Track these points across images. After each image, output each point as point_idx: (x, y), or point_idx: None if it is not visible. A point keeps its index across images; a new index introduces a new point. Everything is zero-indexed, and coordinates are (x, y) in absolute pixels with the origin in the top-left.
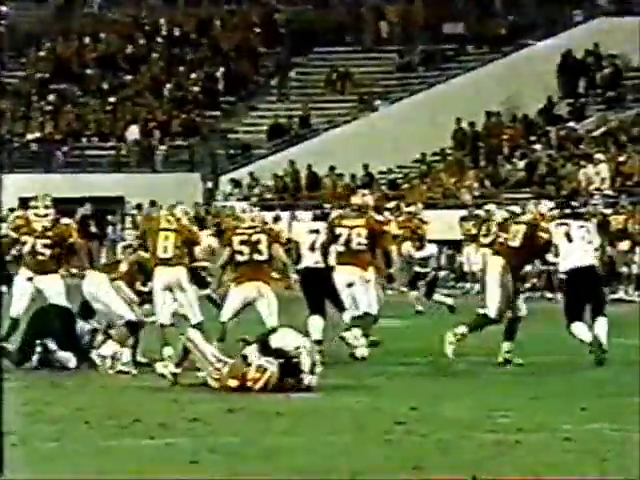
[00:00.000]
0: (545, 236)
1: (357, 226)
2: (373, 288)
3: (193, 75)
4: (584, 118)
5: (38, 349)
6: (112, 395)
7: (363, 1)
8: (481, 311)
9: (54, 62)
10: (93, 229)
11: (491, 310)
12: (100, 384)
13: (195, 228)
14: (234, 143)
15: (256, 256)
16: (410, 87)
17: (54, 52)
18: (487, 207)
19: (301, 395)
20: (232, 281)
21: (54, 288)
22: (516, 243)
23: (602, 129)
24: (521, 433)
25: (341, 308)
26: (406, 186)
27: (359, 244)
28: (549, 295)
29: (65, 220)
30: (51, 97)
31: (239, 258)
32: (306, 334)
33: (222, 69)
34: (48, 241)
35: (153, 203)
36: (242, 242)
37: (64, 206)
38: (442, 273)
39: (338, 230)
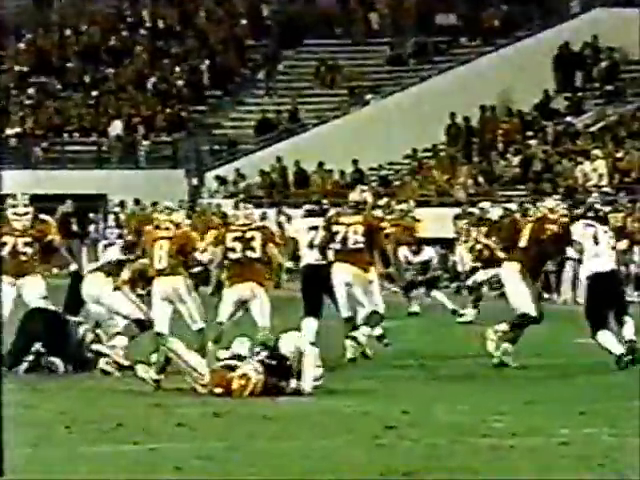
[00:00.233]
0: (553, 228)
1: (354, 223)
2: (377, 287)
3: (178, 68)
4: (581, 113)
5: (30, 357)
6: (94, 399)
7: None
8: (522, 310)
9: (34, 55)
10: (74, 227)
11: (530, 310)
12: (82, 387)
13: (194, 233)
14: (220, 138)
15: (249, 253)
16: (401, 81)
17: (34, 44)
18: (481, 205)
19: (289, 399)
20: (225, 280)
21: (34, 292)
22: (523, 244)
23: (600, 124)
24: (516, 438)
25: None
26: (397, 183)
27: (356, 242)
28: (546, 295)
29: (43, 216)
30: (31, 91)
31: (231, 255)
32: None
33: (208, 62)
34: (29, 239)
35: (137, 201)
36: (235, 239)
37: (44, 204)
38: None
39: (335, 228)
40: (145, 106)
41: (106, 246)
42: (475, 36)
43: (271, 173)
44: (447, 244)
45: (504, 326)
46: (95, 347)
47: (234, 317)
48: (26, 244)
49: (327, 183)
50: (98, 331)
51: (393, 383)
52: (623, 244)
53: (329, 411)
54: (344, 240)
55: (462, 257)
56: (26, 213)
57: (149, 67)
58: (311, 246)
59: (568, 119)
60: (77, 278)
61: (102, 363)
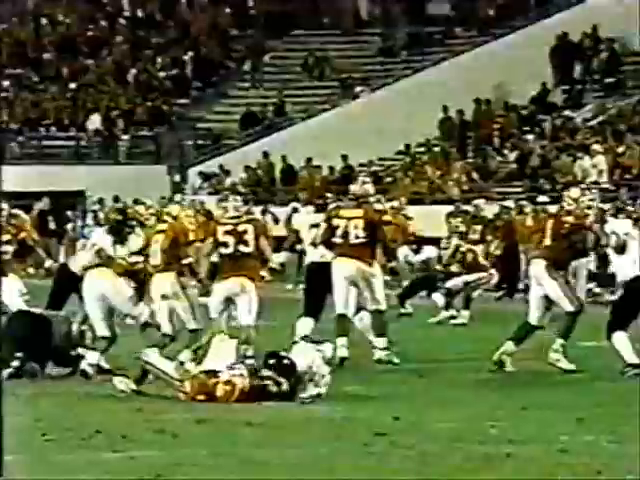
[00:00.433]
0: (570, 220)
1: (355, 217)
2: (381, 283)
3: (159, 60)
4: (580, 106)
5: (15, 362)
6: (71, 404)
7: None
8: (567, 308)
9: (9, 46)
10: (51, 226)
11: (567, 305)
12: (59, 393)
13: (191, 227)
14: (203, 133)
15: (242, 247)
16: (393, 73)
17: (9, 35)
18: (476, 202)
19: (274, 404)
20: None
21: (14, 293)
22: (547, 241)
23: (600, 118)
24: (512, 445)
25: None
26: (389, 180)
27: (357, 237)
28: None
29: (16, 211)
30: (6, 83)
31: (223, 250)
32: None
33: (190, 53)
34: (9, 237)
35: (116, 198)
36: (227, 232)
37: (20, 201)
38: None
39: (335, 222)
40: (125, 99)
41: (86, 239)
42: (469, 26)
43: (257, 169)
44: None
45: (510, 345)
46: (80, 351)
47: (224, 313)
48: (6, 243)
49: (315, 179)
50: (84, 327)
51: (384, 388)
52: None
53: (316, 417)
54: (345, 235)
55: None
56: (0, 210)
57: (129, 58)
58: (314, 244)
59: (566, 113)
60: (64, 272)
61: (83, 364)
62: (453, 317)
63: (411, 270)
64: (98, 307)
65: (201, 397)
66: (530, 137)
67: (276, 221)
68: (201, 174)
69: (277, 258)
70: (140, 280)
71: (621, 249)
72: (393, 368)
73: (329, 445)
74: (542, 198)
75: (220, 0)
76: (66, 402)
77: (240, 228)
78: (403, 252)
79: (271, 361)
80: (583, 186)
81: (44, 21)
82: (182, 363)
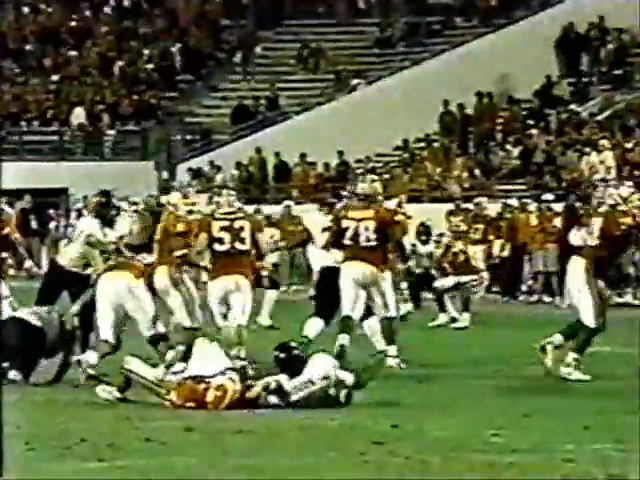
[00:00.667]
0: (628, 221)
1: (365, 218)
2: (390, 288)
3: (146, 51)
4: (587, 100)
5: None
6: (55, 412)
7: None
8: (582, 317)
9: None
10: (34, 225)
11: (587, 319)
12: (42, 400)
13: (190, 217)
14: (192, 128)
15: (238, 245)
16: (391, 65)
17: None
18: (477, 200)
19: (267, 411)
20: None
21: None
22: (595, 240)
23: (607, 112)
24: (515, 454)
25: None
26: (387, 176)
27: (368, 239)
28: (547, 299)
29: (1, 206)
30: None
31: (218, 247)
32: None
33: (179, 44)
34: None
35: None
36: (222, 228)
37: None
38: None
39: (344, 223)
40: (110, 92)
41: (70, 240)
42: (471, 16)
43: (249, 165)
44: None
45: (558, 338)
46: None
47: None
48: None
49: (310, 177)
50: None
51: (381, 394)
52: None
53: (311, 425)
54: (355, 237)
55: None
56: None
57: (114, 50)
58: (327, 247)
59: (572, 107)
60: (54, 267)
61: (83, 363)
62: (454, 320)
63: (418, 263)
64: (112, 313)
65: (190, 404)
66: (534, 132)
67: (269, 221)
68: (190, 171)
69: (269, 258)
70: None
71: None
72: (391, 373)
73: (324, 454)
74: (547, 196)
75: None
76: (50, 409)
77: (236, 225)
78: (410, 242)
79: (282, 355)
80: (630, 184)
81: (25, 10)
82: (169, 366)
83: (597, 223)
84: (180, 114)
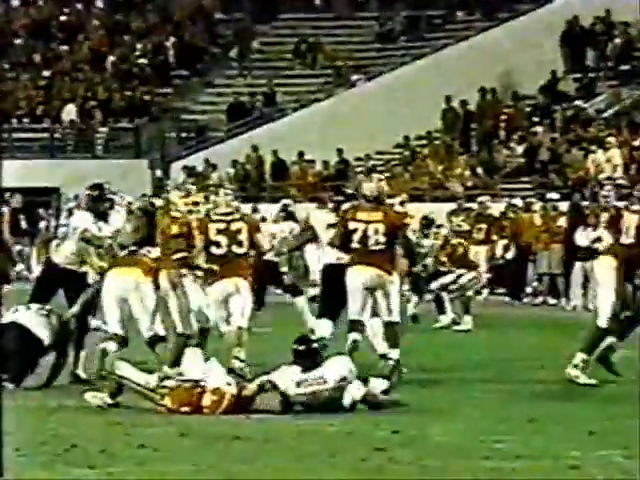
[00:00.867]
0: None
1: (374, 221)
2: (396, 292)
3: (139, 46)
4: (593, 96)
5: None
6: (45, 417)
7: None
8: (602, 324)
9: None
10: (23, 225)
11: (600, 319)
12: (32, 405)
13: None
14: (187, 125)
15: (235, 248)
16: (391, 60)
17: None
18: (480, 199)
19: (264, 417)
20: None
21: None
22: (630, 239)
23: (614, 108)
24: (519, 460)
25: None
26: (387, 175)
27: (377, 242)
28: (552, 301)
29: None
30: None
31: (215, 250)
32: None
33: (173, 39)
34: None
35: None
36: (219, 231)
37: None
38: None
39: (352, 225)
40: (103, 88)
41: (58, 245)
42: (473, 9)
43: (245, 164)
44: None
45: (583, 357)
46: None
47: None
48: None
49: (308, 175)
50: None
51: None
52: None
53: (309, 431)
54: (363, 240)
55: None
56: None
57: (107, 44)
58: (332, 244)
59: (578, 103)
60: (49, 265)
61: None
62: (456, 323)
63: (421, 256)
64: (118, 308)
65: (185, 409)
66: (539, 129)
67: (264, 220)
68: (185, 169)
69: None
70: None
71: None
72: None
73: (323, 461)
74: (552, 195)
75: None
76: (40, 415)
77: (233, 227)
78: (414, 235)
79: (300, 347)
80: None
81: (15, 3)
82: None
83: (634, 221)
84: (174, 110)
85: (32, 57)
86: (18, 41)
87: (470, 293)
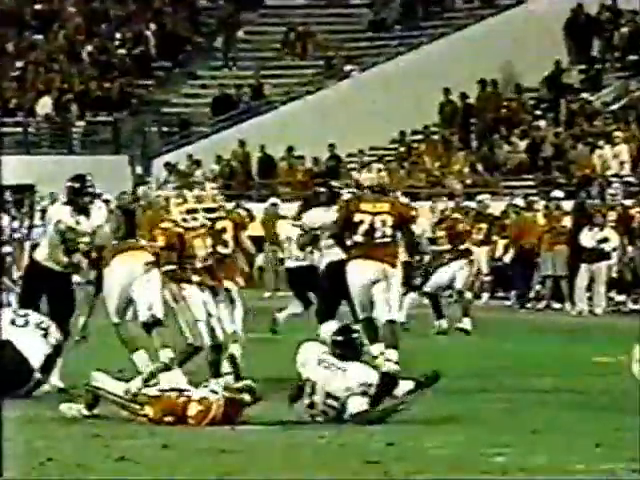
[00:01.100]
0: None
1: (381, 212)
2: (398, 288)
3: (118, 35)
4: (600, 88)
5: None
6: (20, 429)
7: None
8: None
9: None
10: None
11: None
12: (5, 416)
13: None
14: (170, 118)
15: (220, 249)
16: (386, 50)
17: None
18: (480, 197)
19: (251, 428)
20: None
21: None
22: None
23: (622, 101)
24: (521, 474)
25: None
26: None
27: (384, 235)
28: (556, 305)
29: None
30: None
31: (199, 252)
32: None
33: (154, 27)
34: None
35: None
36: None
37: None
38: None
39: (357, 217)
40: (79, 80)
41: (34, 246)
42: None
43: (231, 160)
44: None
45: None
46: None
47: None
48: None
49: (298, 172)
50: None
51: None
52: None
53: (299, 443)
54: (369, 232)
55: None
56: None
57: (83, 33)
58: (335, 237)
59: (584, 95)
60: (32, 264)
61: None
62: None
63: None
64: (118, 296)
65: (168, 419)
66: (542, 123)
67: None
68: (167, 165)
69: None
70: None
71: None
72: None
73: (315, 475)
74: (556, 193)
75: None
76: (14, 426)
77: (218, 226)
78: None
79: (339, 337)
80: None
81: None
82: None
83: None
84: (156, 103)
85: (4, 47)
86: None
87: (469, 295)
